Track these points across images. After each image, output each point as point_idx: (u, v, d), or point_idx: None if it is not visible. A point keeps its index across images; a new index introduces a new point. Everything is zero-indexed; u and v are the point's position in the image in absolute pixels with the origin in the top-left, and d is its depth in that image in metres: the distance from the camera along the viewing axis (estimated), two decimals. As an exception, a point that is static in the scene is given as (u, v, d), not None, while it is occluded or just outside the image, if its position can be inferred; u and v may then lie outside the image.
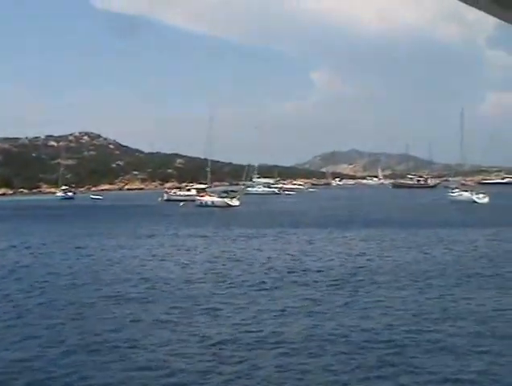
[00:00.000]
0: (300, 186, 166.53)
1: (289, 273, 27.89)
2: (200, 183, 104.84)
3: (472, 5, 1.45)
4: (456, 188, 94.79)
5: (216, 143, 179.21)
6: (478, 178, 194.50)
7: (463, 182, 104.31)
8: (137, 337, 17.04)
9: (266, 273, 27.84)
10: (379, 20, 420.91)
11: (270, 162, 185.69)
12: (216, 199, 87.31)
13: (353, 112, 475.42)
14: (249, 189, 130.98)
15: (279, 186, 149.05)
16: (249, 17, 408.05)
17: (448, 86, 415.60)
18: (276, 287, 24.48)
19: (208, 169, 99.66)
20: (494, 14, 1.52)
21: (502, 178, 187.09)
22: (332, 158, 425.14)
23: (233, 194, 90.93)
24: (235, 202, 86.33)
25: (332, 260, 32.24)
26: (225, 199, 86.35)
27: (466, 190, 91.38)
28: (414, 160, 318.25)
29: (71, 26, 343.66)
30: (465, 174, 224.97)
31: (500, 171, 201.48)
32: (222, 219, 62.84)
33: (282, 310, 20.10)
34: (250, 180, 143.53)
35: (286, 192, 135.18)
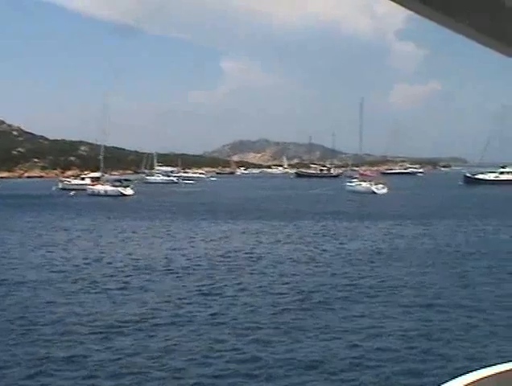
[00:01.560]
0: (202, 175, 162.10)
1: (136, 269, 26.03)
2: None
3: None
4: (355, 178, 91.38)
5: (124, 131, 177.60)
6: (383, 167, 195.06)
7: (361, 172, 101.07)
8: None
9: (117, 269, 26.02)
10: (293, 12, 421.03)
11: (179, 150, 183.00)
12: (108, 187, 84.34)
13: (263, 102, 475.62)
14: (147, 178, 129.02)
15: (179, 174, 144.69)
16: (156, 4, 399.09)
17: (359, 78, 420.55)
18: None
19: (101, 157, 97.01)
20: (409, 7, 1.47)
21: (405, 168, 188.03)
22: (241, 146, 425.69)
23: (126, 183, 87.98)
24: (129, 191, 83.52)
25: (196, 254, 30.26)
26: (119, 188, 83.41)
27: (365, 181, 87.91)
28: (321, 149, 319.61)
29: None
30: (371, 163, 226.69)
31: (404, 161, 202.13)
32: (109, 209, 59.57)
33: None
34: (152, 168, 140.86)
35: (186, 181, 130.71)
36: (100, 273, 24.80)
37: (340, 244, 34.11)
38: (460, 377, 3.31)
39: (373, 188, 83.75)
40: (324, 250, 31.57)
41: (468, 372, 3.34)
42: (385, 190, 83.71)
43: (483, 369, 3.43)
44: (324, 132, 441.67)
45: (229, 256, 29.29)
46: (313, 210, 57.30)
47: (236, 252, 30.72)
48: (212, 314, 18.17)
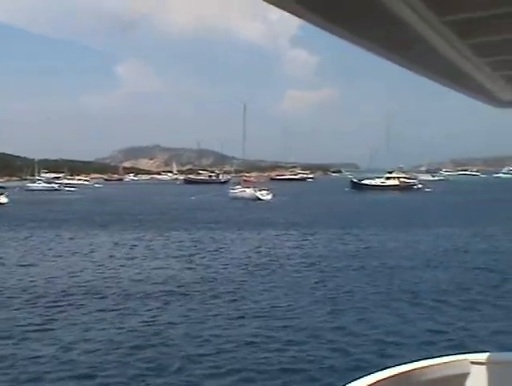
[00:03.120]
0: (85, 182, 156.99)
1: None
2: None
3: (275, 4, 1.45)
4: (238, 185, 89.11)
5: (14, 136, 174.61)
6: (274, 173, 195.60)
7: (245, 178, 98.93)
8: None
9: None
10: (189, 18, 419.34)
11: (71, 156, 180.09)
12: (-20, 197, 79.54)
13: (156, 107, 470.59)
14: (29, 185, 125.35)
15: (61, 181, 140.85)
16: (54, 8, 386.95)
17: (253, 84, 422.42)
18: None
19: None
20: (298, 15, 1.53)
21: (296, 174, 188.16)
22: (134, 152, 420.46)
23: (1, 190, 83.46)
24: (3, 199, 78.91)
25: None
26: (-8, 197, 78.83)
27: (248, 187, 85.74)
28: (215, 155, 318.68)
29: None
30: (262, 169, 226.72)
31: (295, 167, 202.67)
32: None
33: None
34: (33, 175, 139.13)
35: (67, 188, 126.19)
36: None
37: (212, 255, 31.22)
38: (355, 381, 3.48)
39: (258, 194, 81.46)
40: (190, 266, 28.35)
41: (363, 376, 3.51)
42: (269, 197, 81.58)
43: (379, 372, 3.66)
44: (218, 138, 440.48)
45: (74, 274, 25.65)
46: (190, 218, 54.02)
47: (81, 270, 27.00)
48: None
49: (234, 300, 20.79)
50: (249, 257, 30.55)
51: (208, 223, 49.15)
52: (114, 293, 21.64)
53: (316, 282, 23.79)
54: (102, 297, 21.08)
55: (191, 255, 31.63)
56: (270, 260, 29.36)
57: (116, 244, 36.36)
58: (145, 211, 62.90)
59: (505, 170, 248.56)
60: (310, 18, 1.56)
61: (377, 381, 3.55)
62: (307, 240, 37.89)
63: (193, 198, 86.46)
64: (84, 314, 18.68)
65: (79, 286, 22.96)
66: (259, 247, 34.54)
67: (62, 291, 22.03)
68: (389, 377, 3.65)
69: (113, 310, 19.05)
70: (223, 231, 43.02)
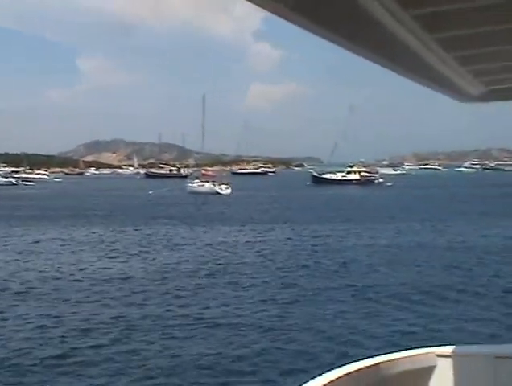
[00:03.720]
0: (44, 176, 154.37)
1: None
2: None
3: None
4: (197, 179, 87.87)
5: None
6: (236, 167, 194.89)
7: (203, 172, 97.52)
8: None
9: None
10: (154, 12, 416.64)
11: (34, 150, 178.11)
12: None
13: (120, 101, 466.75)
14: None
15: (19, 176, 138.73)
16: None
17: (217, 77, 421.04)
18: None
19: None
20: (264, 7, 1.54)
21: (257, 168, 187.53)
22: (97, 146, 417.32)
23: None
24: None
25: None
26: None
27: (208, 181, 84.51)
28: (178, 149, 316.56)
29: None
30: (224, 163, 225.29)
31: (257, 161, 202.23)
32: None
33: None
34: None
35: (25, 183, 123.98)
36: None
37: (159, 253, 30.08)
38: (322, 375, 3.45)
39: (217, 188, 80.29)
40: (130, 265, 27.14)
41: (329, 370, 3.49)
42: (228, 191, 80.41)
43: (345, 366, 3.64)
44: (182, 132, 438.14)
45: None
46: (144, 214, 52.73)
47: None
48: None
49: (181, 297, 19.95)
50: (200, 255, 29.50)
51: (163, 218, 47.99)
52: (46, 292, 20.56)
53: (267, 281, 22.87)
54: (34, 295, 20.15)
55: (139, 252, 30.46)
56: (222, 259, 28.31)
57: (63, 240, 35.05)
58: (97, 207, 61.19)
59: (466, 164, 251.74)
60: (276, 10, 1.52)
61: (344, 375, 3.53)
62: (263, 236, 36.94)
63: (151, 192, 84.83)
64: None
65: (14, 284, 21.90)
66: (211, 244, 33.26)
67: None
68: (355, 371, 3.65)
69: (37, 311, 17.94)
70: (177, 227, 41.91)
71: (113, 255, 29.56)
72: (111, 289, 21.46)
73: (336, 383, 3.46)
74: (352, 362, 3.74)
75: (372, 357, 3.92)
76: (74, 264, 26.51)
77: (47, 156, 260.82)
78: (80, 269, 25.33)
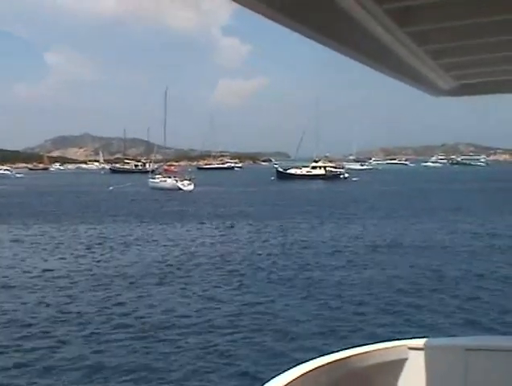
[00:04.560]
0: (6, 172, 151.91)
1: None
2: None
3: None
4: (159, 174, 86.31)
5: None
6: (202, 162, 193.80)
7: (165, 167, 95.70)
8: None
9: None
10: (118, 6, 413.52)
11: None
12: None
13: (88, 96, 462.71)
14: None
15: None
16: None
17: (183, 73, 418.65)
18: None
19: None
20: (250, 7, 1.54)
21: (224, 163, 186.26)
22: (64, 141, 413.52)
23: None
24: None
25: None
26: None
27: (170, 177, 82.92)
28: (145, 144, 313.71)
29: None
30: (191, 158, 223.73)
31: (224, 156, 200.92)
32: None
33: None
34: None
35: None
36: None
37: (113, 253, 28.86)
38: (293, 369, 3.40)
39: (179, 184, 78.74)
40: (85, 263, 25.82)
41: (300, 363, 3.46)
42: (191, 187, 78.75)
43: (316, 359, 3.63)
44: (148, 127, 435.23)
45: None
46: (101, 211, 51.21)
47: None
48: None
49: (121, 301, 18.87)
50: (149, 255, 28.29)
51: (120, 215, 46.59)
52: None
53: (219, 281, 21.92)
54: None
55: (86, 252, 29.16)
56: (174, 259, 27.13)
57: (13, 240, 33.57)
58: (52, 204, 59.31)
59: (433, 159, 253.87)
60: (246, 2, 1.51)
61: (314, 368, 3.53)
62: (221, 234, 35.95)
63: (111, 188, 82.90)
64: None
65: None
66: (167, 244, 31.93)
67: None
68: (326, 364, 3.65)
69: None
70: (132, 225, 40.58)
71: (59, 256, 28.20)
72: (49, 290, 20.38)
73: (307, 376, 3.42)
74: (322, 355, 3.71)
75: (343, 350, 3.89)
76: (13, 267, 25.11)
77: (12, 151, 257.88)
78: (20, 270, 24.05)
